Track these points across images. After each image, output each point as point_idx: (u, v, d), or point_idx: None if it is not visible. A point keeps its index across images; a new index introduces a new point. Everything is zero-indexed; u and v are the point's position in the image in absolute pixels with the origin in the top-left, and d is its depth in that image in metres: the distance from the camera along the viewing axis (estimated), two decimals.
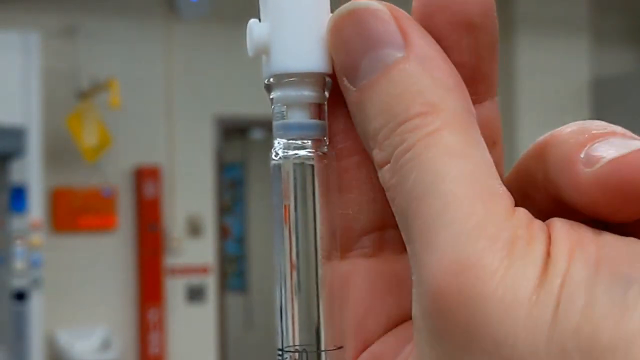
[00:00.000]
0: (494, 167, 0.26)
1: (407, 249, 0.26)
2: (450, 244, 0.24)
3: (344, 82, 0.28)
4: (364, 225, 0.29)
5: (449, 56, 0.27)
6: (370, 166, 0.29)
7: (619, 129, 0.26)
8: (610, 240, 0.24)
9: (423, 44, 0.27)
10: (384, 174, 0.26)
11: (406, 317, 0.29)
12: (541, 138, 0.28)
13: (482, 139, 0.26)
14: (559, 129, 0.27)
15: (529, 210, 0.26)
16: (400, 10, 0.28)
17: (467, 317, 0.24)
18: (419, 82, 0.26)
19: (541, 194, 0.28)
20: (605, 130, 0.26)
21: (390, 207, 0.28)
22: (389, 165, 0.26)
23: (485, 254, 0.24)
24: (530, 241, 0.24)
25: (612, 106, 5.71)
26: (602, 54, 6.14)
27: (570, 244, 0.24)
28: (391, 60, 0.27)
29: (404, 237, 0.26)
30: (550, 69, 5.89)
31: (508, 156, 0.29)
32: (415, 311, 0.25)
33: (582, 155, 0.25)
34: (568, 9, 5.95)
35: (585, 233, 0.25)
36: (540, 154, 0.27)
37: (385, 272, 0.29)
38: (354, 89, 0.27)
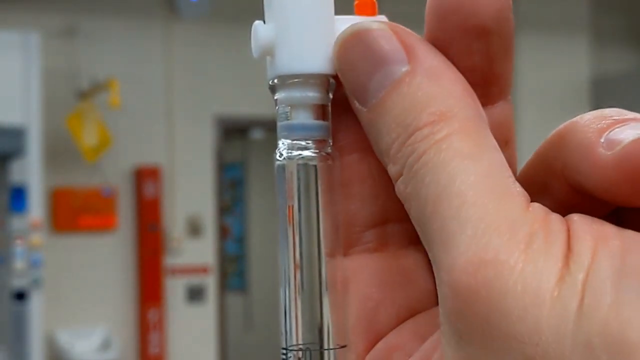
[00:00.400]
0: (507, 167, 0.26)
1: (429, 255, 0.26)
2: (466, 243, 0.24)
3: (355, 105, 0.28)
4: (366, 219, 0.30)
5: (461, 59, 0.27)
6: (372, 162, 0.29)
7: (638, 115, 0.26)
8: (634, 235, 0.24)
9: (427, 56, 0.27)
10: (399, 186, 0.27)
11: (416, 310, 0.29)
12: (560, 127, 0.28)
13: (494, 142, 0.26)
14: (577, 117, 0.27)
15: (547, 202, 0.26)
16: (401, 26, 0.28)
17: (487, 315, 0.23)
18: (427, 93, 0.26)
19: (560, 183, 0.28)
20: (625, 117, 0.26)
21: (392, 200, 0.29)
22: (402, 176, 0.26)
23: (502, 250, 0.24)
24: (548, 235, 0.24)
25: (612, 105, 5.68)
26: (602, 54, 6.15)
27: (593, 238, 0.24)
28: (397, 75, 0.27)
29: (424, 244, 0.26)
30: (551, 69, 5.90)
31: None
32: (441, 316, 0.25)
33: (602, 140, 0.25)
34: (568, 9, 5.95)
35: (607, 228, 0.24)
36: (560, 142, 0.27)
37: (391, 266, 0.30)
38: (365, 109, 0.28)
